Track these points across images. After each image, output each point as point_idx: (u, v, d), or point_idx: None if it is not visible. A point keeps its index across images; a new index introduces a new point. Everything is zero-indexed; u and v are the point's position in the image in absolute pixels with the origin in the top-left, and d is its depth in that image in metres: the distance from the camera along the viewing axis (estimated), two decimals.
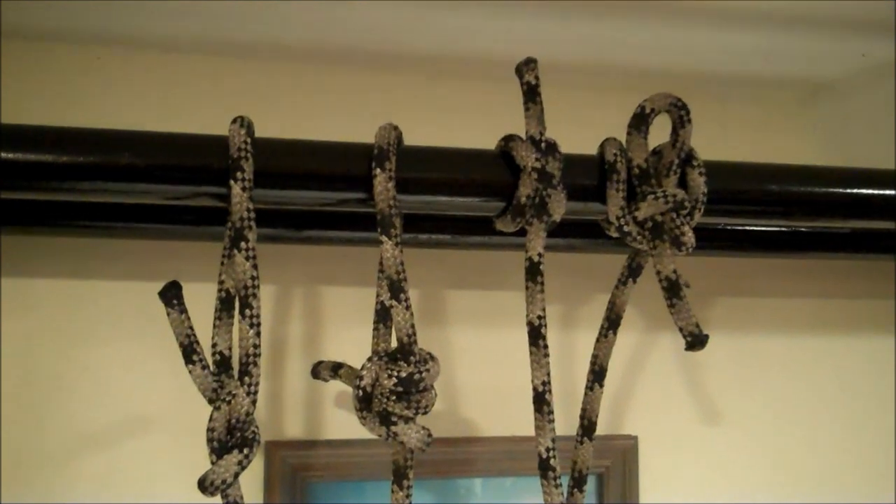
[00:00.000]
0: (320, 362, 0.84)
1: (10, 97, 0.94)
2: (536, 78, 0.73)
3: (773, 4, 0.90)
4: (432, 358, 0.72)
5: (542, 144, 0.73)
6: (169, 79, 1.00)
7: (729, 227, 1.00)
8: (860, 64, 1.07)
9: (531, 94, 0.73)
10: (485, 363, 1.05)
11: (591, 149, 0.79)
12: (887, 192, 0.86)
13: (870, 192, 0.86)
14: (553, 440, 0.75)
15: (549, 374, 0.75)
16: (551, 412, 0.75)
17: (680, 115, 0.76)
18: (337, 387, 0.98)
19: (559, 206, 0.74)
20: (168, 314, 0.69)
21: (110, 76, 0.98)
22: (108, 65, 0.98)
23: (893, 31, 0.96)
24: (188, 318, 0.69)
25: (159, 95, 0.99)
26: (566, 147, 0.76)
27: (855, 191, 0.86)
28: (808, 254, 1.05)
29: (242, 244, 0.67)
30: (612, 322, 0.84)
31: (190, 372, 0.69)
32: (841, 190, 0.86)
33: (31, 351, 0.93)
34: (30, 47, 0.96)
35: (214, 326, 0.70)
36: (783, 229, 1.02)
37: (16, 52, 0.95)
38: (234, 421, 0.67)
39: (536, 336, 0.74)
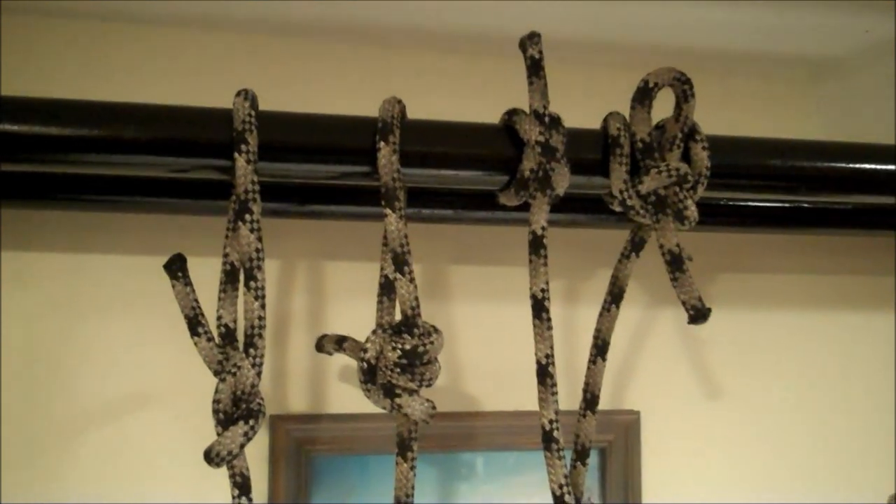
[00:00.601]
0: (324, 336, 0.84)
1: (11, 72, 0.93)
2: (540, 52, 0.73)
3: None
4: (436, 330, 0.72)
5: (546, 118, 0.73)
6: (172, 53, 0.99)
7: (731, 203, 1.01)
8: (864, 40, 1.07)
9: (535, 69, 0.73)
10: (488, 338, 1.05)
11: (595, 123, 0.79)
12: (890, 167, 0.86)
13: (873, 167, 0.87)
14: (556, 412, 0.75)
15: (552, 347, 0.75)
16: (554, 385, 0.75)
17: (683, 89, 0.76)
18: (341, 361, 0.98)
19: (562, 180, 0.74)
20: (173, 286, 0.69)
21: (110, 51, 0.98)
22: (109, 40, 0.98)
23: None
24: (193, 291, 0.69)
25: (162, 69, 0.99)
26: (570, 122, 0.76)
27: (858, 166, 0.86)
28: (810, 229, 1.05)
29: (247, 216, 0.67)
30: (614, 296, 0.84)
31: (195, 344, 0.69)
32: (844, 165, 0.86)
33: (33, 325, 0.93)
34: (30, 22, 0.95)
35: (219, 299, 0.70)
36: (786, 205, 1.02)
37: (16, 28, 0.95)
38: (239, 392, 0.67)
39: (540, 309, 0.75)
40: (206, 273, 0.75)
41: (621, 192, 0.76)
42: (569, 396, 0.94)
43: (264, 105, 0.71)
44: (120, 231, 0.95)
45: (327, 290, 1.00)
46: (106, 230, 0.95)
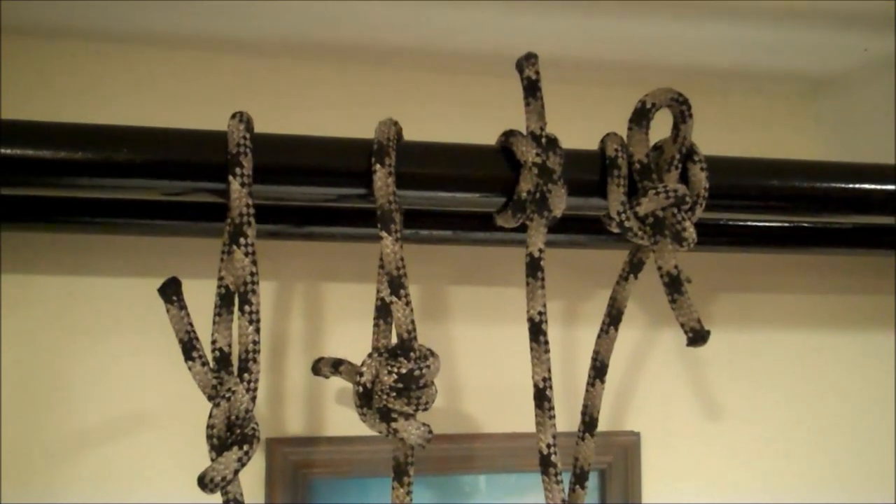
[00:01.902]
0: (321, 359, 0.84)
1: (10, 94, 0.93)
2: (537, 73, 0.73)
3: None
4: (432, 354, 0.71)
5: (543, 140, 0.73)
6: (167, 75, 0.99)
7: (730, 223, 1.00)
8: (863, 58, 1.07)
9: (531, 89, 0.73)
10: (486, 359, 1.04)
11: (593, 144, 0.79)
12: (889, 186, 0.86)
13: (872, 187, 0.86)
14: (554, 436, 0.75)
15: (549, 370, 0.75)
16: (552, 408, 0.75)
17: (681, 109, 0.75)
18: (338, 383, 0.97)
19: (560, 202, 0.73)
20: (168, 311, 0.69)
21: (110, 73, 0.98)
22: (108, 61, 0.98)
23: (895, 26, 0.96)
24: (188, 315, 0.69)
25: (158, 92, 0.99)
26: (567, 142, 0.75)
27: (857, 186, 0.86)
28: (809, 249, 1.05)
29: (241, 240, 0.67)
30: (613, 318, 0.83)
31: (190, 369, 0.69)
32: (843, 185, 0.86)
33: (30, 347, 0.92)
34: (29, 44, 0.96)
35: (214, 323, 0.70)
36: (785, 225, 1.01)
37: (15, 49, 0.95)
38: (233, 418, 0.66)
39: (537, 332, 0.74)
40: (202, 295, 0.75)
41: (619, 213, 0.76)
42: (568, 418, 0.94)
43: (260, 127, 0.71)
44: (117, 253, 0.95)
45: (325, 312, 1.00)
46: (103, 252, 0.95)
